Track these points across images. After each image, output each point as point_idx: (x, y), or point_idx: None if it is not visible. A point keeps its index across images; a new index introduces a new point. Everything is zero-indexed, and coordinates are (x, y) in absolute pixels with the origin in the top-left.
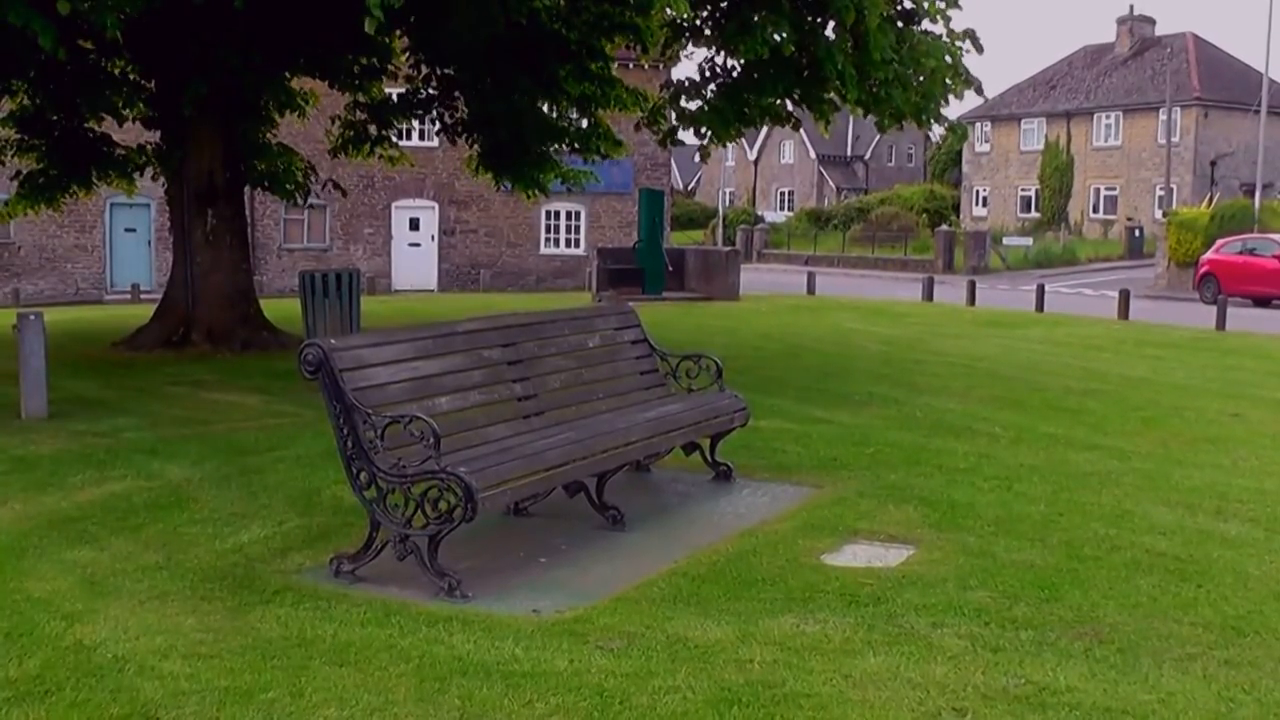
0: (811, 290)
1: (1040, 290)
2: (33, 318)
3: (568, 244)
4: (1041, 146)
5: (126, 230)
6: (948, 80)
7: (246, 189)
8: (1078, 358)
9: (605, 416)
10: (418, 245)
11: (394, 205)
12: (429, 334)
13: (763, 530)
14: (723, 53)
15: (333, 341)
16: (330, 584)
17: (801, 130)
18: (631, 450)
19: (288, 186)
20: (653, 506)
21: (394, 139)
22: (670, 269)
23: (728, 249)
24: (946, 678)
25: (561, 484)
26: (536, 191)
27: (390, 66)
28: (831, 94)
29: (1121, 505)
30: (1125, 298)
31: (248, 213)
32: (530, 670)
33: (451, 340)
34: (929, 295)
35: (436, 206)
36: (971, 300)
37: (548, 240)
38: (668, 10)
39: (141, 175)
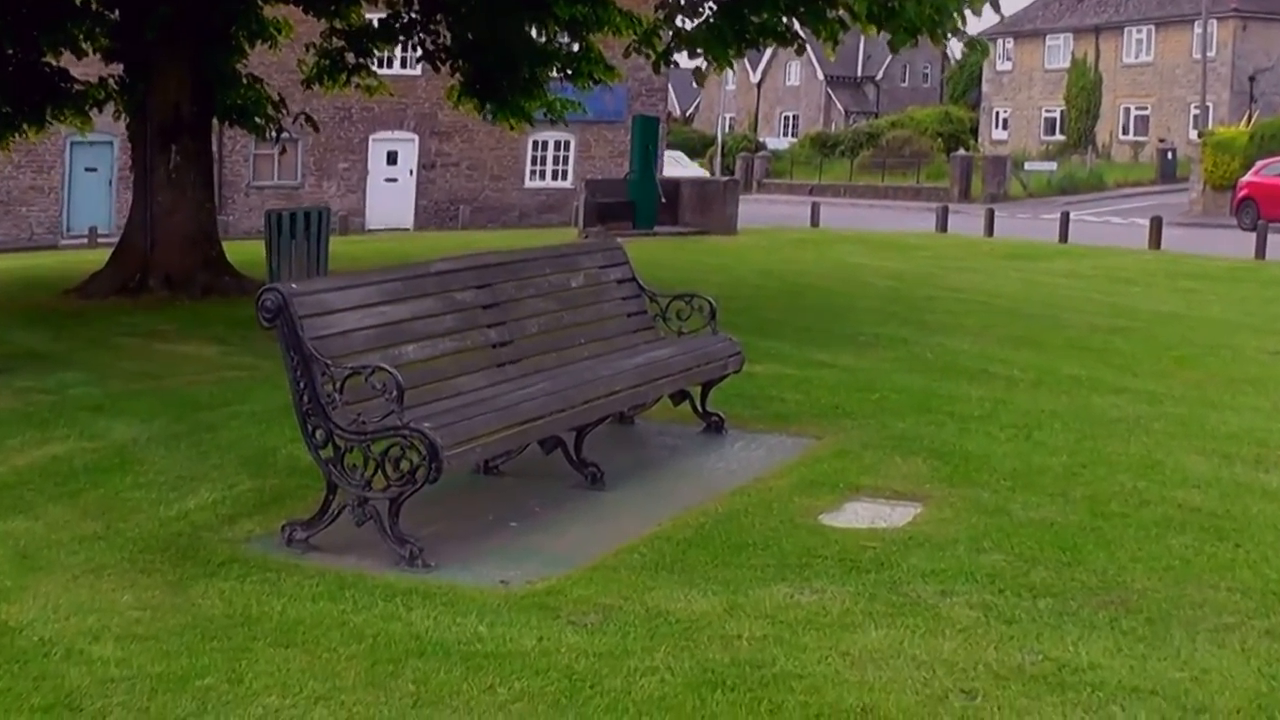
0: (815, 222)
1: (1064, 219)
2: None
3: (555, 176)
4: (1067, 64)
5: (87, 170)
6: None
7: (214, 124)
8: (1104, 292)
9: (587, 364)
10: (394, 180)
11: (371, 138)
12: (398, 276)
13: (756, 488)
14: None
15: (294, 286)
16: (282, 554)
17: (809, 49)
18: (615, 401)
19: (257, 120)
20: (637, 462)
21: (373, 67)
22: (664, 201)
23: (725, 179)
24: (955, 654)
25: (537, 440)
26: (522, 122)
27: None
28: (839, 10)
29: (1151, 455)
30: (1157, 225)
31: (215, 149)
32: (494, 650)
33: (422, 283)
34: (943, 226)
35: (416, 139)
36: (990, 231)
37: (533, 173)
38: None
39: (101, 111)
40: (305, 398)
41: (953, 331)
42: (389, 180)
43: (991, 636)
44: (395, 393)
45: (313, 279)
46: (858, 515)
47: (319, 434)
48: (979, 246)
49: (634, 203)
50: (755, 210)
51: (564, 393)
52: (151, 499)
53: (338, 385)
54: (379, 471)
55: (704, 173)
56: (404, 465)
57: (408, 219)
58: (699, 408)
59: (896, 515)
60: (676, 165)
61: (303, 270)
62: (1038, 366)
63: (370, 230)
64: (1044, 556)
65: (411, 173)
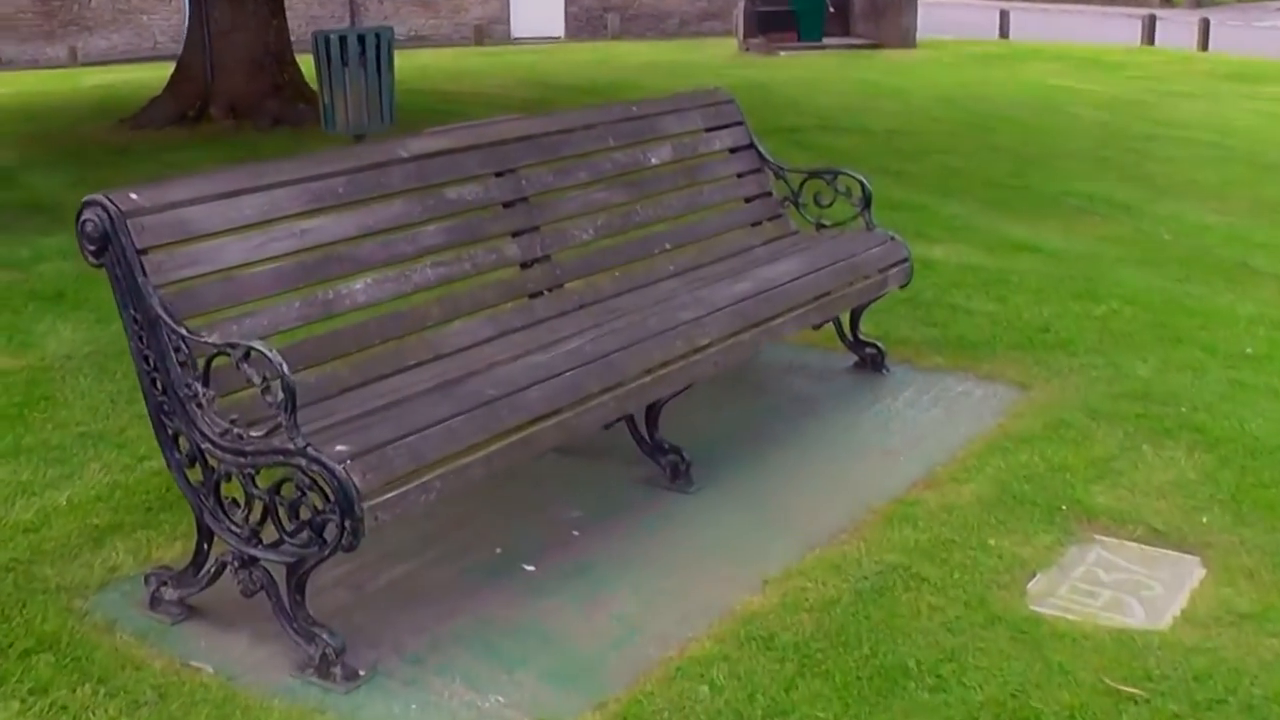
0: (1005, 33)
1: None
2: None
3: None
4: None
5: None
6: None
7: None
8: None
9: (668, 290)
10: None
11: None
12: (337, 167)
13: (923, 503)
14: None
15: (133, 196)
16: (141, 619)
17: None
18: (703, 362)
19: None
20: (743, 432)
21: None
22: (832, 9)
23: None
24: None
25: (562, 441)
26: None
27: None
28: None
29: None
30: None
31: None
32: None
33: (384, 174)
34: (1150, 38)
35: None
36: (1204, 44)
37: None
38: None
39: None
40: (156, 384)
41: (1187, 192)
42: None
43: None
44: (282, 393)
45: (167, 184)
46: (1093, 589)
47: (182, 443)
48: (1195, 64)
49: (799, 11)
50: (937, 17)
51: (614, 357)
52: (16, 479)
53: (198, 369)
54: (270, 518)
55: None
56: (303, 513)
57: (557, 27)
58: (848, 334)
59: (1161, 594)
60: None
61: (360, 109)
62: None
63: (517, 39)
64: None
65: None
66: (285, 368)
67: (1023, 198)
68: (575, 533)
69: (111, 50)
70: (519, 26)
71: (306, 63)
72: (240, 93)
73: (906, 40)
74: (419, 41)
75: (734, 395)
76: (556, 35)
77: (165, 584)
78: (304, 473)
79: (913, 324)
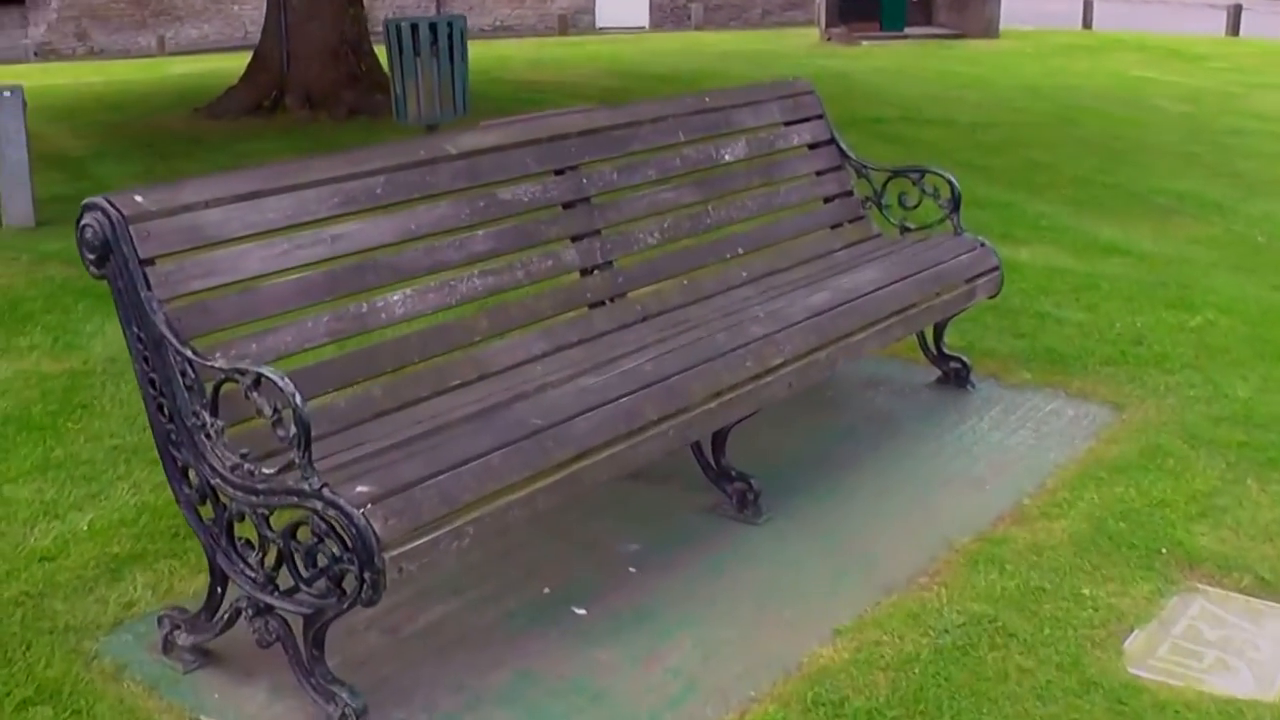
0: (1088, 23)
1: None
2: (8, 94)
3: None
4: None
5: None
6: None
7: None
8: None
9: (739, 299)
10: None
11: None
12: (377, 162)
13: (1011, 542)
14: None
15: (138, 198)
16: (153, 666)
17: None
18: (776, 383)
19: None
20: (817, 454)
21: None
22: None
23: None
24: None
25: (617, 475)
26: None
27: None
28: None
29: None
30: None
31: None
32: None
33: (430, 172)
34: (1234, 28)
35: None
36: None
37: None
38: None
39: None
40: (163, 410)
41: (1278, 191)
42: None
43: None
44: (294, 427)
45: (179, 185)
46: (1196, 649)
47: (191, 476)
48: None
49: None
50: (1019, 7)
51: (676, 380)
52: (40, 499)
53: (206, 397)
54: (285, 565)
55: None
56: (320, 559)
57: (642, 17)
58: (931, 346)
59: (1270, 657)
60: None
61: (433, 99)
62: None
63: (601, 29)
64: None
65: None
66: (298, 398)
67: (1110, 195)
68: (632, 569)
69: (202, 39)
70: (604, 16)
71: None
72: (316, 82)
73: (989, 30)
74: (505, 32)
75: (807, 412)
76: (641, 25)
77: (179, 627)
78: (320, 516)
79: (999, 334)
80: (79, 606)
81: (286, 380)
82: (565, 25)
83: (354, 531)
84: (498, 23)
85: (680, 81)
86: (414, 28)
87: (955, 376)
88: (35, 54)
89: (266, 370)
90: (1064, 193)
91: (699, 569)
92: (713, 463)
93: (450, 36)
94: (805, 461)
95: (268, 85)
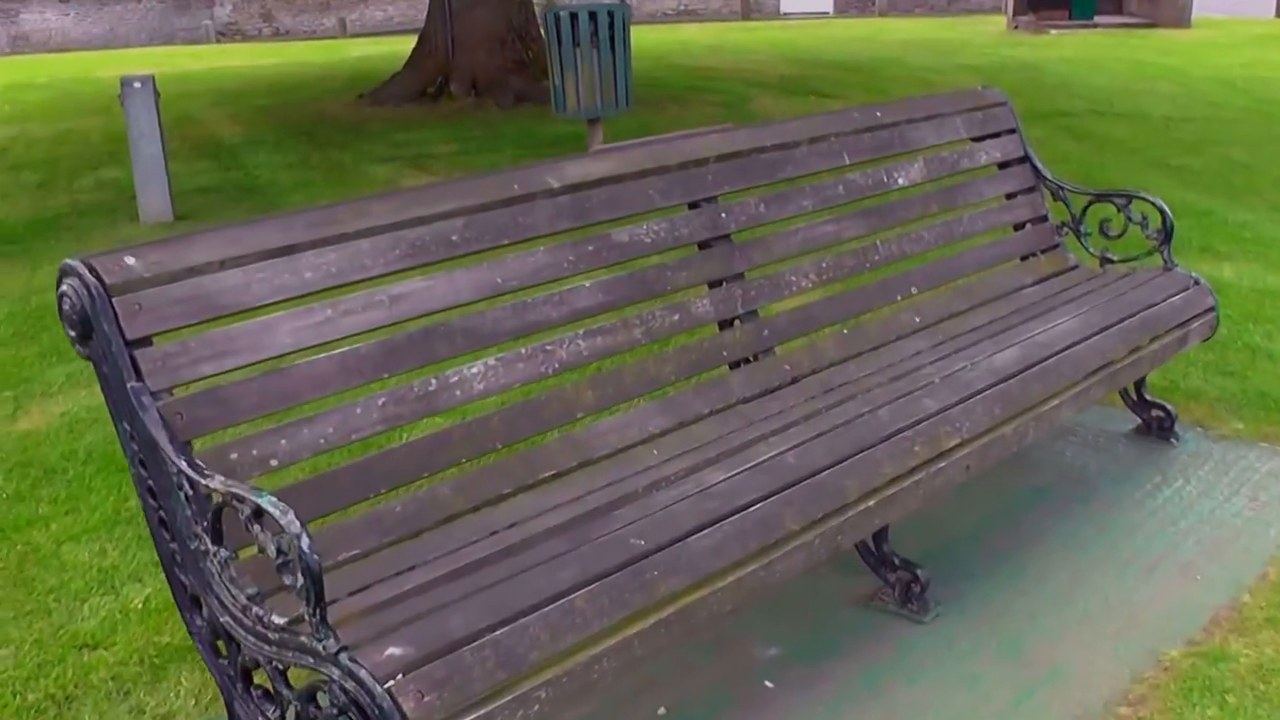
0: None
1: None
2: (138, 84)
3: None
4: None
5: None
6: None
7: None
8: None
9: (909, 354)
10: None
11: None
12: (454, 201)
13: (1229, 660)
14: None
15: (128, 260)
16: None
17: None
18: (951, 468)
19: None
20: (996, 529)
21: None
22: None
23: None
24: None
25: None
26: None
27: None
28: None
29: None
30: None
31: None
32: None
33: (525, 211)
34: None
35: None
36: None
37: None
38: None
39: None
40: (165, 526)
41: None
42: None
43: None
44: (302, 578)
45: (187, 239)
46: None
47: (204, 609)
48: None
49: None
50: None
51: (827, 476)
52: (99, 565)
53: (207, 519)
54: None
55: None
56: None
57: (826, 2)
58: (1131, 391)
59: None
60: None
61: (594, 91)
62: None
63: (786, 14)
64: None
65: None
66: (305, 541)
67: None
68: (768, 684)
69: (387, 21)
70: (788, 2)
71: None
72: (481, 69)
73: (1182, 19)
74: (688, 16)
75: (986, 472)
76: (825, 11)
77: None
78: (339, 686)
79: (1204, 371)
80: (103, 708)
81: (290, 516)
82: (749, 10)
83: (378, 713)
84: (682, 6)
85: (860, 70)
86: (573, 16)
87: (1158, 426)
88: (219, 34)
89: (266, 501)
90: (1266, 197)
91: (851, 685)
92: (873, 547)
93: (611, 26)
94: (984, 534)
95: (433, 72)
